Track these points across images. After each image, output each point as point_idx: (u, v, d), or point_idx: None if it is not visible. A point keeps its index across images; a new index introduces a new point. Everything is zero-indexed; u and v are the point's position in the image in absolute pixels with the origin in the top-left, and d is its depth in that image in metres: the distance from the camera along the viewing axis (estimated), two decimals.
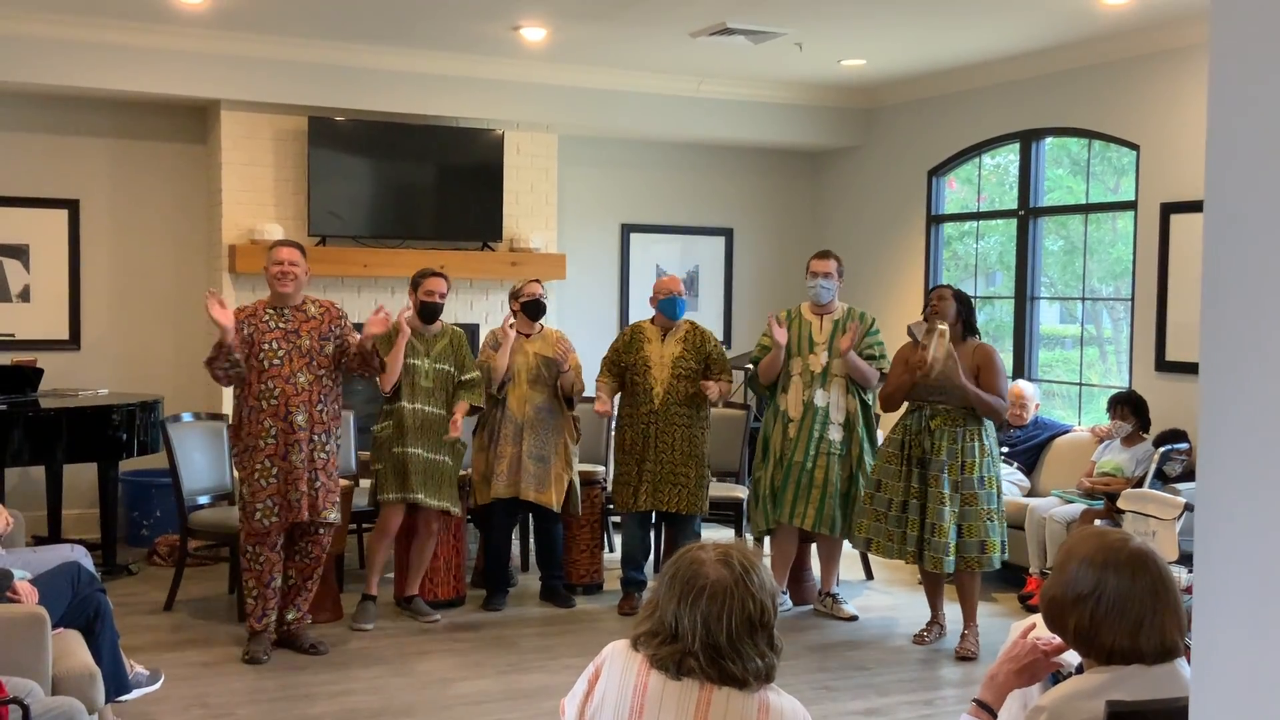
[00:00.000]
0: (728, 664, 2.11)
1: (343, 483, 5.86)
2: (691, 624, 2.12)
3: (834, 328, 5.93)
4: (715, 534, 7.00)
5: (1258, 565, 1.60)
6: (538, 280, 6.30)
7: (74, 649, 3.84)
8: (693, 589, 2.14)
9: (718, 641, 2.11)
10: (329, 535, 5.38)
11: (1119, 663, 2.18)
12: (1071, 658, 2.35)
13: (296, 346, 5.19)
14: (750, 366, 6.18)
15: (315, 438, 5.20)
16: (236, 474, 5.25)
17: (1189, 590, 1.80)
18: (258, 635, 5.21)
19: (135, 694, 4.47)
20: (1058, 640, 2.29)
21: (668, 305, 6.12)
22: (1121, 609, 2.17)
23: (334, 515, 5.29)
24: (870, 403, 6.01)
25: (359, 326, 5.48)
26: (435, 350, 5.85)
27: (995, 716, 2.34)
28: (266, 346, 5.16)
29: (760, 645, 2.16)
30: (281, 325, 5.22)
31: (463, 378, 5.90)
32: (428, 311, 5.85)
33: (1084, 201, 7.56)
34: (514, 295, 6.21)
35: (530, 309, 6.12)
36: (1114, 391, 6.73)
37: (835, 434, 5.87)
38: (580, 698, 2.21)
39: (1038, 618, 2.36)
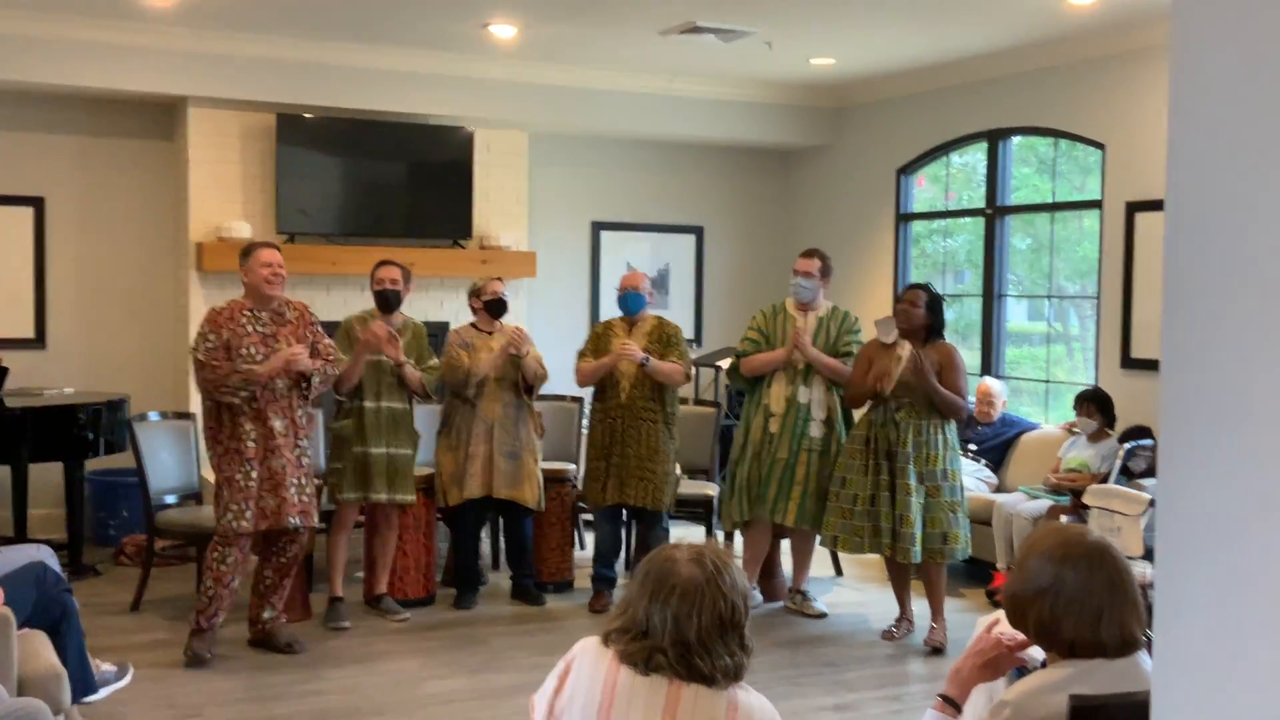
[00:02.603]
0: (696, 661, 2.12)
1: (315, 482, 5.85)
2: (662, 621, 2.13)
3: (818, 326, 5.95)
4: (686, 531, 7.02)
5: (1217, 559, 1.63)
6: (499, 278, 6.31)
7: (39, 649, 3.81)
8: (664, 587, 2.16)
9: (687, 639, 2.13)
10: (305, 535, 5.35)
11: (1081, 656, 2.21)
12: (1036, 653, 2.38)
13: (275, 351, 5.12)
14: (729, 361, 6.18)
15: (298, 444, 5.18)
16: (214, 476, 5.17)
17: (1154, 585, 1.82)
18: (203, 634, 5.13)
19: (104, 692, 4.44)
20: (1021, 635, 2.31)
21: (626, 300, 6.15)
22: (1081, 602, 2.20)
23: (311, 520, 5.26)
24: None
25: (327, 326, 5.47)
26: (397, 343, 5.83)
27: (960, 711, 2.36)
28: (245, 351, 5.07)
29: (730, 644, 2.18)
30: (260, 329, 5.14)
31: (421, 366, 5.90)
32: (383, 300, 5.82)
33: (1050, 200, 7.62)
34: (475, 293, 6.19)
35: (493, 307, 6.12)
36: (1080, 389, 6.79)
37: (816, 430, 5.90)
38: (550, 694, 2.22)
39: (1002, 613, 2.39)
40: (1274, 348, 1.57)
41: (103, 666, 4.61)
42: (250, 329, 5.12)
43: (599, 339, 6.17)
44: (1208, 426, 1.63)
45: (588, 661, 2.19)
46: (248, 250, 5.27)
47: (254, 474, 5.06)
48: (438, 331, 7.95)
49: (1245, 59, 1.61)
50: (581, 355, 6.19)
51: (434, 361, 5.96)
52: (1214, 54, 1.64)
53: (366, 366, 5.71)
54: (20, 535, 6.51)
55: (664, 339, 6.12)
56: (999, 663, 2.35)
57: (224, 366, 5.01)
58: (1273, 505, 1.56)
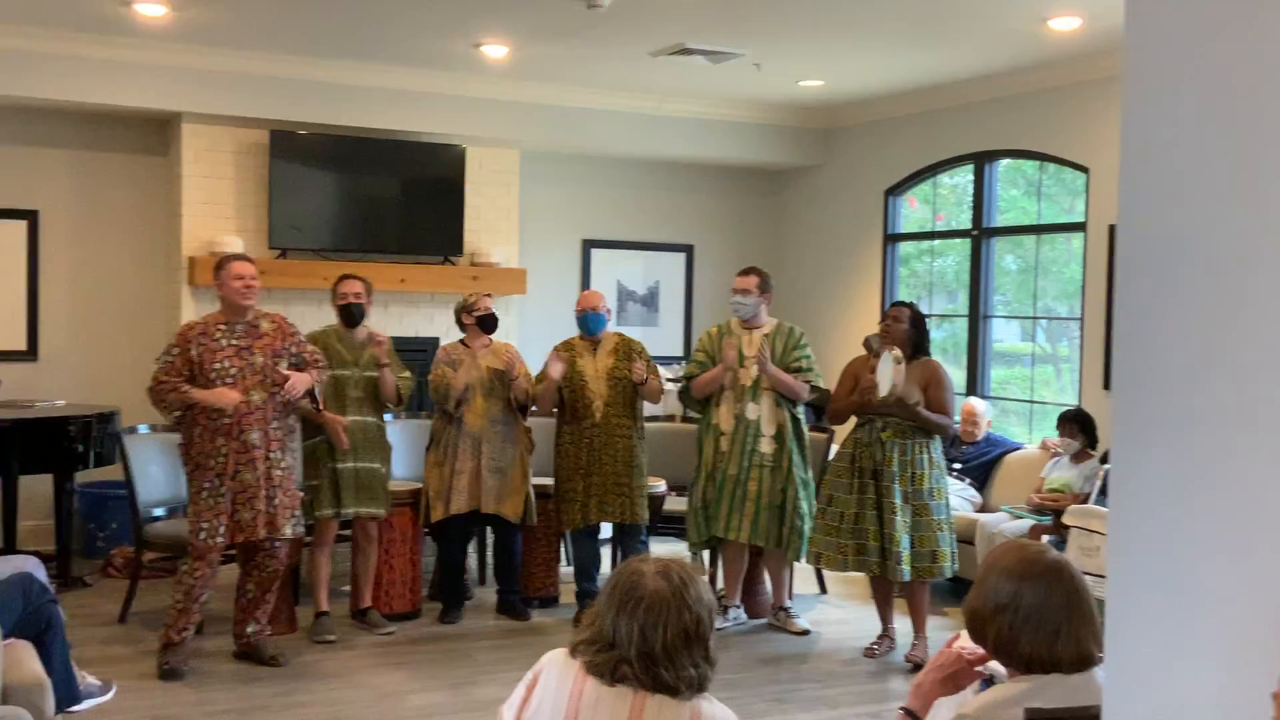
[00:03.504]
0: (661, 672, 2.17)
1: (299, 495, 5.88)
2: (629, 632, 2.18)
3: (764, 342, 6.01)
4: (669, 546, 7.06)
5: (1166, 580, 1.69)
6: (489, 294, 6.35)
7: (24, 659, 3.84)
8: (631, 599, 2.21)
9: (653, 650, 2.17)
10: (285, 549, 5.38)
11: (1038, 671, 2.26)
12: (1001, 666, 2.43)
13: (250, 364, 5.12)
14: (682, 381, 6.22)
15: (271, 455, 5.15)
16: (187, 489, 5.19)
17: None
18: (175, 647, 5.13)
19: (87, 705, 4.48)
20: (981, 650, 2.36)
21: (586, 320, 6.19)
22: (1038, 619, 2.25)
23: (291, 530, 5.26)
24: (800, 416, 6.08)
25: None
26: (363, 359, 5.86)
27: None
28: (218, 365, 5.07)
29: (695, 655, 2.22)
30: (234, 342, 5.14)
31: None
32: (348, 314, 5.85)
33: (1036, 222, 7.70)
34: (465, 309, 6.22)
35: (484, 323, 6.17)
36: (1065, 409, 6.85)
37: (766, 446, 5.94)
38: (518, 704, 2.27)
39: (964, 629, 2.44)
40: (1219, 368, 1.63)
41: (88, 679, 4.65)
42: (224, 342, 5.12)
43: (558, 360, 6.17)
44: (1156, 448, 1.69)
45: (555, 672, 2.24)
46: (221, 264, 5.25)
47: (222, 489, 5.05)
48: (428, 347, 8.01)
49: (1194, 92, 1.67)
50: (539, 379, 6.19)
51: (405, 373, 5.98)
52: (1165, 87, 1.70)
53: (331, 383, 5.70)
54: (9, 547, 6.54)
55: (631, 356, 6.16)
56: (959, 677, 2.39)
57: (169, 383, 5.02)
58: (1220, 530, 1.61)
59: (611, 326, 6.36)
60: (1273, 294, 1.53)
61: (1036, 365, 7.96)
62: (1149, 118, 1.72)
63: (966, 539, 6.46)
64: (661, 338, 8.94)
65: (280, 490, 5.18)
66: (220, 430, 5.05)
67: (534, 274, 8.40)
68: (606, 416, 6.06)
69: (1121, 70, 1.74)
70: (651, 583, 2.22)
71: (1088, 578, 2.41)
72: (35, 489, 6.98)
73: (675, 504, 6.74)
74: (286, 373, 5.15)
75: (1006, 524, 6.44)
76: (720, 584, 6.31)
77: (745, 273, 6.12)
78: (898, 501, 5.49)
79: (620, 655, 2.18)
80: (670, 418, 7.37)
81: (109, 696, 4.74)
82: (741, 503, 5.92)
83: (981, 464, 7.13)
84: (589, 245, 8.97)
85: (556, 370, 6.00)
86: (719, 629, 6.00)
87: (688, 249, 9.28)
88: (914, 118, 8.24)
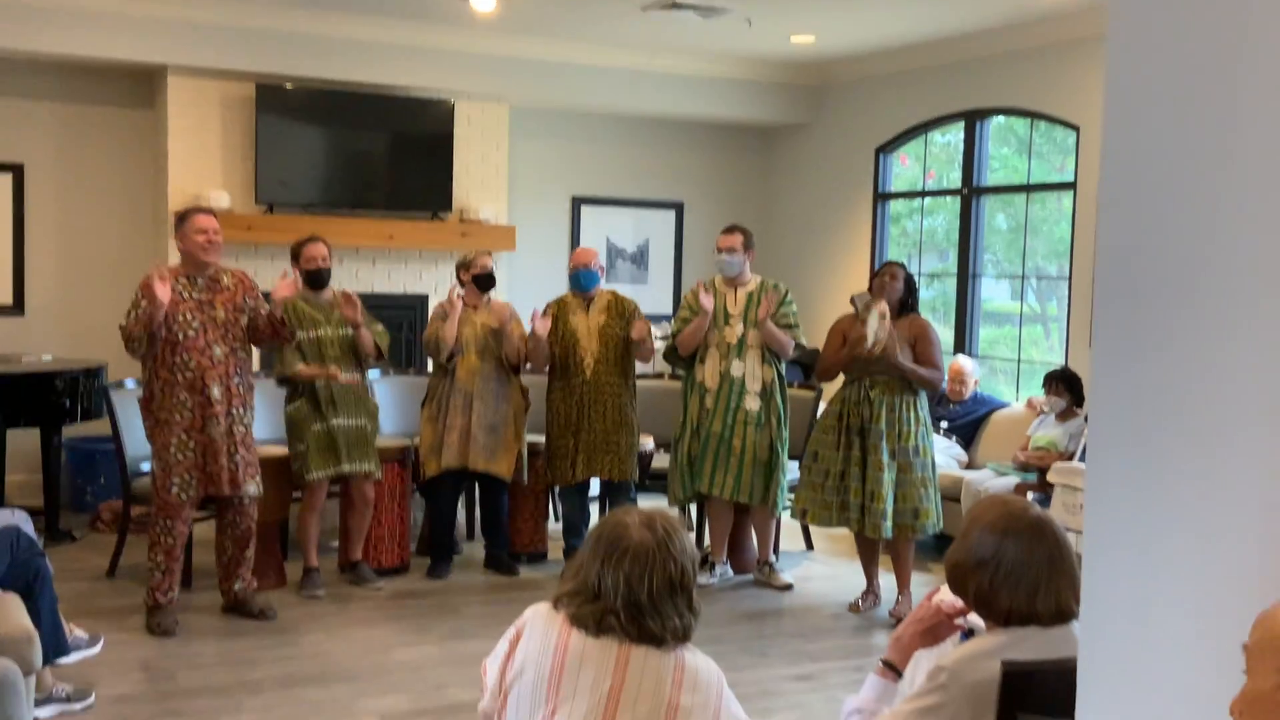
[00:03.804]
0: (647, 622, 2.18)
1: (278, 451, 5.87)
2: (614, 583, 2.19)
3: (748, 300, 6.01)
4: (656, 503, 7.08)
5: (1140, 534, 1.70)
6: (488, 253, 6.34)
7: (11, 611, 3.86)
8: (616, 550, 2.22)
9: (639, 600, 2.19)
10: (255, 505, 5.33)
11: (1016, 625, 2.28)
12: (980, 620, 2.45)
13: (211, 318, 5.08)
14: (669, 339, 6.23)
15: (233, 411, 5.12)
16: (150, 447, 5.13)
17: None
18: (163, 609, 5.14)
19: (74, 657, 4.50)
20: (961, 604, 2.38)
21: (578, 277, 6.18)
22: (1019, 575, 2.27)
23: (254, 488, 5.25)
24: (784, 373, 6.10)
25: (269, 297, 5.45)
26: (335, 317, 5.82)
27: (900, 676, 2.43)
28: (180, 318, 5.02)
29: (679, 606, 2.24)
30: (196, 296, 5.09)
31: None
32: (313, 279, 5.78)
33: (1027, 181, 7.68)
34: (464, 266, 6.22)
35: (481, 281, 6.16)
36: (1052, 368, 6.87)
37: (752, 403, 5.96)
38: (502, 658, 2.28)
39: (944, 583, 2.46)
40: (1195, 323, 1.63)
41: (75, 631, 4.66)
42: (186, 295, 5.06)
43: (553, 319, 6.18)
44: (1134, 410, 1.70)
45: (539, 626, 2.25)
46: (183, 216, 5.16)
47: (190, 444, 5.03)
48: (415, 304, 8.00)
49: (1177, 50, 1.66)
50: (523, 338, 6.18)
51: (378, 326, 5.95)
52: (1148, 49, 1.70)
53: (310, 345, 5.68)
54: None
55: (624, 313, 6.17)
56: (938, 630, 2.42)
57: (131, 323, 4.94)
58: (1192, 486, 1.62)
59: (602, 285, 6.35)
60: (1249, 246, 1.54)
61: (1025, 325, 7.98)
62: (1132, 76, 1.72)
63: (952, 497, 6.50)
64: (651, 295, 8.91)
65: (242, 446, 5.16)
66: (182, 384, 5.01)
67: (523, 231, 8.37)
68: (597, 374, 6.07)
69: (1107, 27, 1.73)
70: (636, 534, 2.24)
71: (1071, 534, 2.43)
72: (23, 443, 6.98)
73: (663, 461, 6.76)
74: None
75: (992, 481, 6.47)
76: (706, 540, 6.35)
77: (729, 231, 6.11)
78: (884, 459, 5.53)
79: (606, 606, 2.19)
80: (659, 376, 7.38)
81: (97, 649, 4.77)
82: (726, 459, 5.94)
83: (968, 422, 7.16)
84: (578, 202, 8.93)
85: (543, 328, 6.00)
86: (705, 584, 6.09)
87: (677, 206, 9.25)
88: (906, 74, 8.20)
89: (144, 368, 5.15)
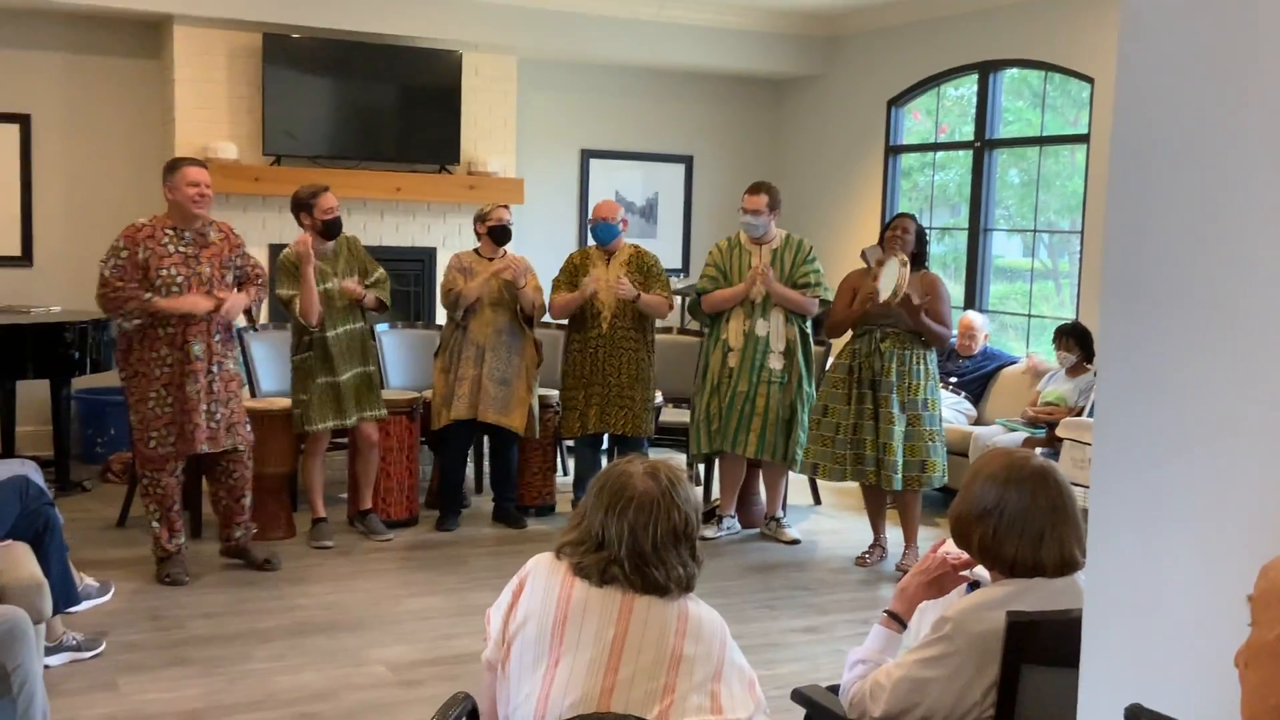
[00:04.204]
0: (652, 571, 2.18)
1: (283, 403, 5.87)
2: (619, 532, 2.18)
3: (773, 257, 5.98)
4: (666, 457, 7.09)
5: (1147, 482, 1.69)
6: (506, 206, 6.30)
7: (22, 560, 3.88)
8: (620, 499, 2.21)
9: (643, 549, 2.18)
10: (248, 453, 5.29)
11: (1021, 575, 2.28)
12: (985, 571, 2.45)
13: (197, 274, 4.98)
14: (692, 295, 6.21)
15: (213, 369, 5.04)
16: (127, 399, 5.06)
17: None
18: (172, 558, 5.15)
19: (85, 605, 4.54)
20: (966, 555, 2.38)
21: (598, 230, 6.17)
22: (1023, 524, 2.26)
23: (239, 442, 5.18)
24: (809, 331, 6.08)
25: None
26: (339, 267, 5.78)
27: (904, 626, 2.43)
28: (165, 272, 4.90)
29: (683, 555, 2.23)
30: (182, 249, 4.98)
31: (368, 281, 5.84)
32: (330, 228, 5.69)
33: (1040, 134, 7.61)
34: (480, 219, 6.19)
35: (497, 234, 6.14)
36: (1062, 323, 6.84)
37: (776, 362, 5.95)
38: (505, 608, 2.28)
39: (948, 534, 2.45)
40: (1206, 282, 1.62)
41: (86, 580, 4.70)
42: (172, 249, 4.96)
43: (575, 269, 6.19)
44: (1142, 365, 1.68)
45: (542, 575, 2.25)
46: (173, 166, 5.04)
47: (168, 399, 4.96)
48: (424, 257, 7.98)
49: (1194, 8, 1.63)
50: (556, 286, 6.21)
51: (380, 273, 5.91)
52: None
53: (322, 298, 5.61)
54: (7, 451, 6.58)
55: (644, 268, 6.16)
56: (943, 581, 2.42)
57: (126, 289, 4.85)
58: (1199, 436, 1.61)
59: (623, 238, 6.31)
60: (1264, 201, 1.52)
61: (1037, 280, 7.93)
62: (1145, 25, 1.68)
63: (960, 452, 6.49)
64: (660, 249, 8.79)
65: (222, 405, 5.08)
66: (163, 339, 4.93)
67: (531, 184, 8.33)
68: (613, 328, 6.07)
69: None
70: (640, 483, 2.22)
71: (1079, 489, 2.42)
72: (33, 394, 7.00)
73: (670, 415, 6.76)
74: (222, 296, 5.02)
75: (1001, 436, 6.46)
76: (715, 494, 6.36)
77: (755, 190, 6.04)
78: (895, 411, 5.52)
79: (610, 556, 2.18)
80: (668, 330, 7.36)
81: (108, 597, 4.81)
82: (749, 418, 5.93)
83: (977, 377, 7.13)
84: (587, 155, 8.88)
85: (589, 288, 6.00)
86: (712, 537, 6.10)
87: (687, 160, 9.19)
88: (918, 25, 8.10)
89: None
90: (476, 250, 6.19)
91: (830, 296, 5.96)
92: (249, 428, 5.29)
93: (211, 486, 5.34)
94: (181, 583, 5.11)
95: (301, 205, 5.70)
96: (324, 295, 5.68)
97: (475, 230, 6.23)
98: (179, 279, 4.94)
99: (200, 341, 4.98)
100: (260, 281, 5.29)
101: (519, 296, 6.04)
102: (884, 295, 5.41)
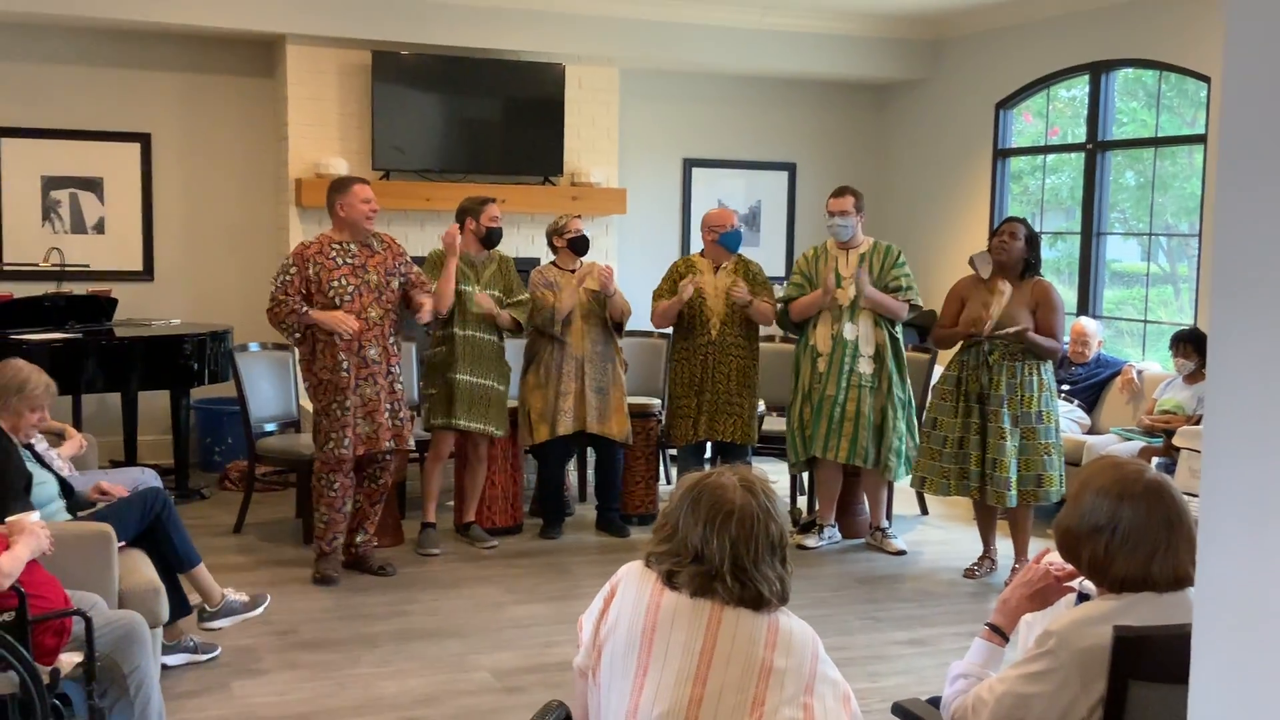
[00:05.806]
0: (754, 586, 2.14)
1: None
2: (720, 547, 2.14)
3: (860, 262, 5.90)
4: (766, 466, 7.05)
5: (1259, 499, 1.62)
6: (578, 216, 6.36)
7: (139, 566, 4.01)
8: (719, 513, 2.17)
9: (744, 564, 2.15)
10: (395, 462, 5.55)
11: (1130, 591, 2.20)
12: (1090, 584, 2.37)
13: (365, 282, 5.28)
14: (780, 304, 6.16)
15: (391, 370, 5.35)
16: (311, 406, 5.39)
17: None
18: (327, 556, 5.40)
19: (230, 620, 4.39)
20: (1070, 567, 2.31)
21: (728, 239, 6.15)
22: (1136, 541, 2.18)
23: (413, 440, 5.52)
24: (899, 335, 5.99)
25: (419, 260, 5.60)
26: (485, 276, 5.91)
27: (1006, 640, 2.37)
28: (336, 283, 5.23)
29: (778, 567, 2.20)
30: (349, 261, 5.29)
31: (509, 300, 5.96)
32: (493, 237, 5.91)
33: (1155, 135, 7.39)
34: (556, 232, 6.22)
35: (576, 244, 6.17)
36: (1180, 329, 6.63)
37: (865, 367, 5.87)
38: (596, 615, 2.27)
39: (1052, 545, 2.38)
40: None
41: (229, 596, 4.45)
42: (340, 261, 5.27)
43: (681, 277, 6.19)
44: (1253, 368, 1.61)
45: (633, 584, 2.25)
46: (343, 185, 5.34)
47: (349, 403, 5.23)
48: (527, 268, 8.05)
49: None
50: (658, 295, 6.21)
51: (524, 296, 6.02)
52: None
53: (456, 296, 5.78)
54: (130, 460, 6.82)
55: (749, 276, 6.14)
56: (1047, 593, 2.35)
57: (288, 303, 5.18)
58: None
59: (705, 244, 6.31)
60: None
61: (1154, 285, 7.69)
62: (1254, 18, 1.62)
63: (1074, 461, 6.31)
64: (763, 258, 8.74)
65: (401, 404, 5.41)
66: (341, 347, 5.22)
67: (633, 194, 8.36)
68: (722, 334, 6.08)
69: None
70: (739, 497, 2.19)
71: (1197, 500, 2.32)
72: (154, 405, 7.25)
73: (772, 424, 6.72)
74: (422, 299, 5.38)
75: (1116, 446, 6.27)
76: (816, 504, 6.29)
77: (840, 194, 5.99)
78: (1006, 425, 5.38)
79: (710, 570, 2.15)
80: (770, 338, 7.32)
81: (258, 611, 4.52)
82: (840, 423, 5.88)
83: (1091, 385, 6.94)
84: (689, 164, 8.88)
85: (688, 292, 6.02)
86: (813, 548, 6.04)
87: (790, 167, 9.13)
88: (1027, 26, 7.94)
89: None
90: (554, 264, 6.23)
91: (920, 301, 5.88)
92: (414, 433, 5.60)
93: (354, 489, 5.49)
94: (332, 580, 5.34)
95: (468, 211, 5.94)
96: (461, 297, 5.79)
97: (552, 244, 6.25)
98: (349, 289, 5.25)
99: (376, 345, 5.29)
100: (427, 289, 5.51)
101: (609, 304, 6.07)
102: (986, 329, 5.35)
